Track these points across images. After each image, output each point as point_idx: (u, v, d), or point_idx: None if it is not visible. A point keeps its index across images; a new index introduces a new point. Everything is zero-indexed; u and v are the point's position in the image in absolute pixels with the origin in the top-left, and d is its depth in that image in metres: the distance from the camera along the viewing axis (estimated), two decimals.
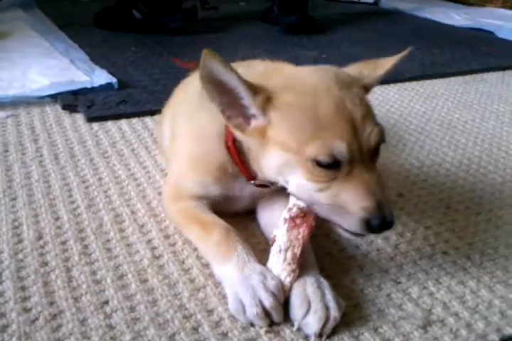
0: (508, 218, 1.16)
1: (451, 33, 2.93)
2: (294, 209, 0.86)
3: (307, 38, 2.63)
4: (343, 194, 0.80)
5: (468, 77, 2.17)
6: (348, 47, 2.50)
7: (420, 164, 1.39)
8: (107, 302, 0.84)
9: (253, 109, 0.84)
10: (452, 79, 2.13)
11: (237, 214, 1.06)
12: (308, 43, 2.55)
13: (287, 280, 0.83)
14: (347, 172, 0.80)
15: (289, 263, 0.84)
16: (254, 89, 0.82)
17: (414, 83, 2.05)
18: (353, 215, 0.79)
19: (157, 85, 1.82)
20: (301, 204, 0.86)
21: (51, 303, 0.83)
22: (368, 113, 0.82)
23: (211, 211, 1.00)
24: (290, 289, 0.84)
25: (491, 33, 2.94)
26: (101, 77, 1.77)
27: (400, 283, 0.93)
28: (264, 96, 0.82)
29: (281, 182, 0.87)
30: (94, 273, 0.91)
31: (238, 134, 0.88)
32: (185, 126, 1.05)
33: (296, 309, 0.81)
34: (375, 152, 0.83)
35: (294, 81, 0.86)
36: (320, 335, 0.80)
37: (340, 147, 0.78)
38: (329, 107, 0.79)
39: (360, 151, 0.79)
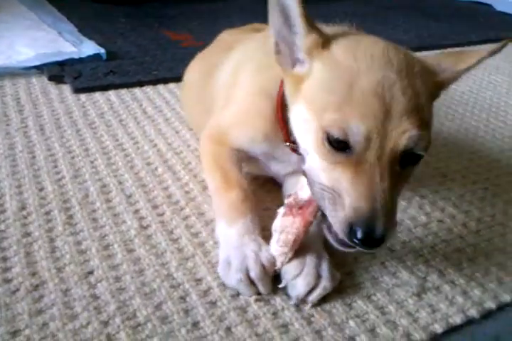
0: (505, 186, 1.14)
1: (449, 6, 2.88)
2: (291, 199, 0.83)
3: None
4: (344, 181, 0.69)
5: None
6: (346, 20, 2.44)
7: None
8: (91, 273, 0.82)
9: (301, 52, 0.77)
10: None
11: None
12: None
13: (279, 260, 0.80)
14: (357, 162, 0.68)
15: (281, 246, 0.81)
16: (311, 26, 0.75)
17: None
18: (343, 210, 0.68)
19: (146, 56, 1.76)
20: (301, 196, 0.82)
21: (33, 274, 0.80)
22: (415, 111, 0.68)
23: (241, 167, 0.96)
24: (280, 269, 0.80)
25: (489, 5, 2.90)
26: (89, 47, 1.72)
27: (394, 250, 0.91)
28: (317, 39, 0.75)
29: (301, 150, 0.78)
30: (78, 243, 0.88)
31: (283, 76, 0.83)
32: (250, 80, 0.97)
33: (290, 268, 0.79)
34: (404, 159, 0.70)
35: (358, 43, 0.77)
36: (304, 302, 0.78)
37: (357, 128, 0.66)
38: (371, 83, 0.68)
39: (380, 146, 0.67)
